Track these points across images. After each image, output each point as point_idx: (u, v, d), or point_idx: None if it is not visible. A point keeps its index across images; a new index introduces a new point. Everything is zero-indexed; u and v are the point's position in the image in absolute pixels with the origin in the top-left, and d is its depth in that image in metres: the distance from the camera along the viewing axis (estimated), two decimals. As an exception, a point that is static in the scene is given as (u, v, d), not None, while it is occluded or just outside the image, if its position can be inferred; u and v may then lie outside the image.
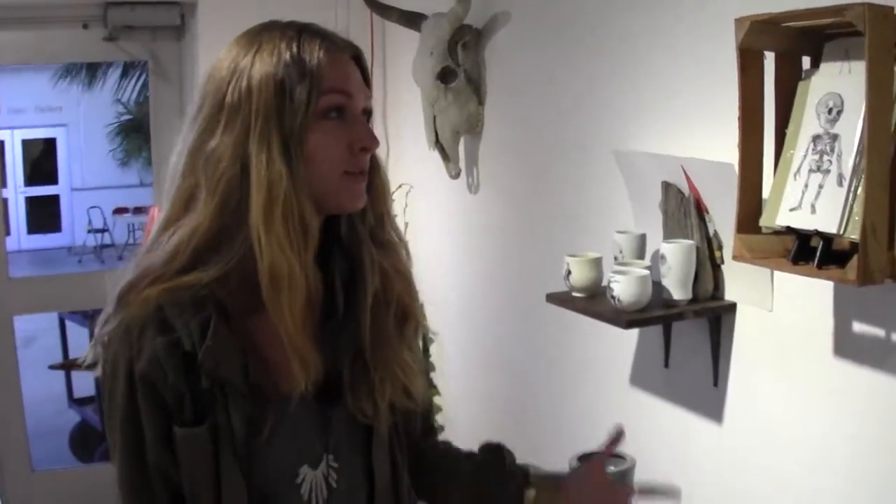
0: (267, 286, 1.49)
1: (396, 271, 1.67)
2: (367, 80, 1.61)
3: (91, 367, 1.56)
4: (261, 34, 1.56)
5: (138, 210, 16.40)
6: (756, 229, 2.07)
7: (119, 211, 16.69)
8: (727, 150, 2.35)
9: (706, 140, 2.52)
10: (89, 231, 17.12)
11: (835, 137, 1.90)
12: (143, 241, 4.40)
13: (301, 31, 1.55)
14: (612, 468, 2.34)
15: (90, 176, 18.04)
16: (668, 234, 2.57)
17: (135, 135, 17.13)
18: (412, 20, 3.92)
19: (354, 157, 1.54)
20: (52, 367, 6.64)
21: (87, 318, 6.73)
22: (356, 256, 1.65)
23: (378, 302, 1.65)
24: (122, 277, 1.55)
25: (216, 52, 4.88)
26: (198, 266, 1.51)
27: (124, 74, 14.41)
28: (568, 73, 3.24)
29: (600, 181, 3.06)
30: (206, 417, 1.50)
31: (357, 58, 1.60)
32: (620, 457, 2.37)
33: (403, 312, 1.69)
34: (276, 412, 1.54)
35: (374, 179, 1.63)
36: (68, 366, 3.93)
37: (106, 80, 14.94)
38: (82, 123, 17.87)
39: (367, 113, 1.59)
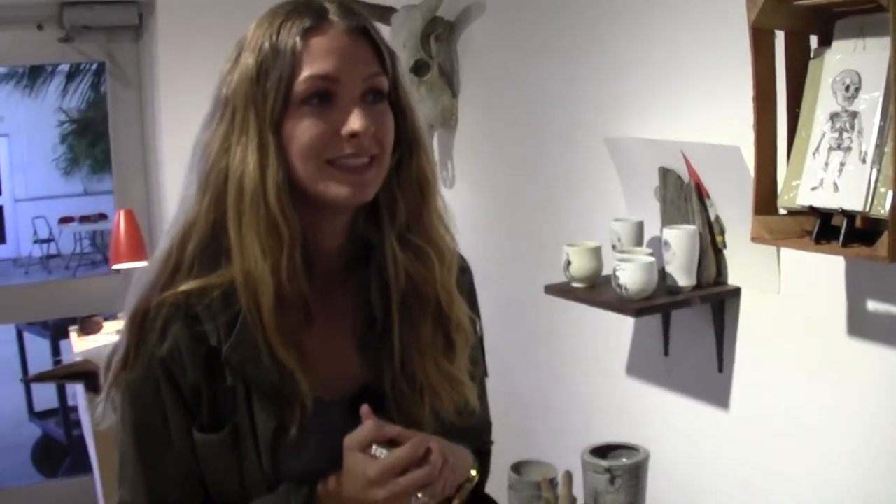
0: (241, 285, 1.44)
1: (425, 280, 1.57)
2: (380, 56, 1.48)
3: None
4: (260, 21, 1.49)
5: (84, 218, 16.22)
6: (773, 210, 2.05)
7: (65, 220, 16.46)
8: (727, 134, 2.33)
9: (704, 124, 2.49)
10: (35, 241, 16.87)
11: (854, 115, 1.88)
12: (114, 243, 4.30)
13: (291, 13, 1.45)
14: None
15: (34, 186, 17.78)
16: (668, 221, 2.54)
17: (78, 142, 16.93)
18: (381, 14, 3.86)
19: (343, 144, 1.43)
20: (26, 381, 6.52)
21: (48, 328, 6.62)
22: (381, 258, 1.57)
23: (409, 309, 1.57)
24: (130, 296, 1.51)
25: (176, 52, 4.82)
26: (207, 268, 1.47)
27: (69, 80, 14.21)
28: (548, 61, 3.20)
29: (585, 169, 3.03)
30: (226, 421, 1.48)
31: (362, 32, 1.47)
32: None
33: (444, 323, 1.61)
34: (306, 414, 1.49)
35: (405, 172, 1.54)
36: (45, 377, 3.84)
37: (49, 88, 14.73)
38: (24, 133, 17.62)
39: (374, 92, 1.47)
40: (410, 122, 1.56)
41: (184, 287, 1.45)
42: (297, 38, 1.42)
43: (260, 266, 1.42)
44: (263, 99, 1.43)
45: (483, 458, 1.79)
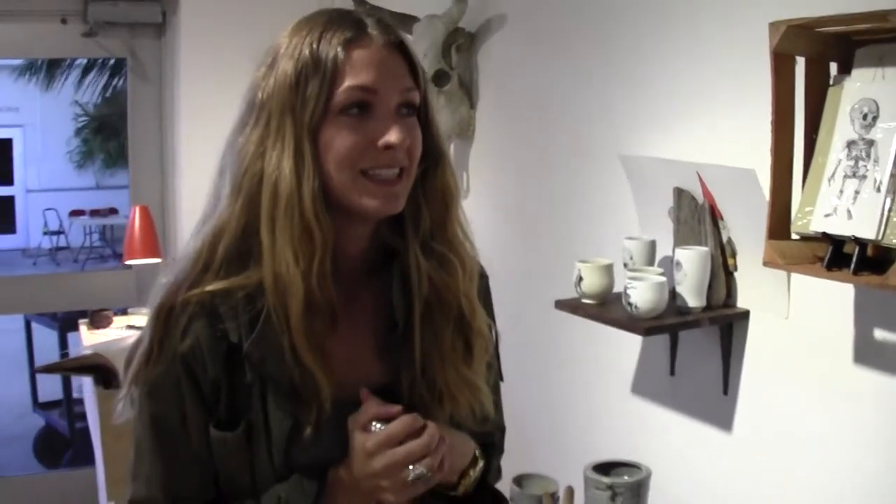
0: (269, 288, 1.47)
1: (448, 287, 1.60)
2: (414, 70, 1.52)
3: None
4: (296, 29, 1.51)
5: (95, 212, 16.28)
6: (786, 235, 2.06)
7: (75, 213, 16.51)
8: (743, 156, 2.34)
9: (720, 146, 2.51)
10: (45, 233, 16.93)
11: (871, 143, 1.89)
12: (128, 239, 4.32)
13: (330, 23, 1.49)
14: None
15: (46, 177, 17.85)
16: (681, 241, 2.55)
17: (93, 137, 17.00)
18: (403, 22, 3.89)
19: (377, 155, 1.47)
20: (36, 371, 6.54)
21: (56, 320, 6.64)
22: (404, 266, 1.60)
23: (432, 315, 1.60)
24: (156, 292, 1.54)
25: (198, 51, 4.85)
26: (236, 268, 1.49)
27: (84, 75, 14.29)
28: (566, 76, 3.22)
29: (600, 186, 3.04)
30: (242, 418, 1.50)
31: (398, 47, 1.51)
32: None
33: (465, 330, 1.64)
34: (322, 416, 1.51)
35: (430, 184, 1.57)
36: (55, 368, 3.86)
37: (66, 81, 14.81)
38: (39, 124, 17.70)
39: (408, 106, 1.51)
40: (435, 136, 1.59)
41: (210, 287, 1.48)
42: (339, 49, 1.45)
43: (292, 270, 1.45)
44: (302, 106, 1.45)
45: (489, 450, 1.81)
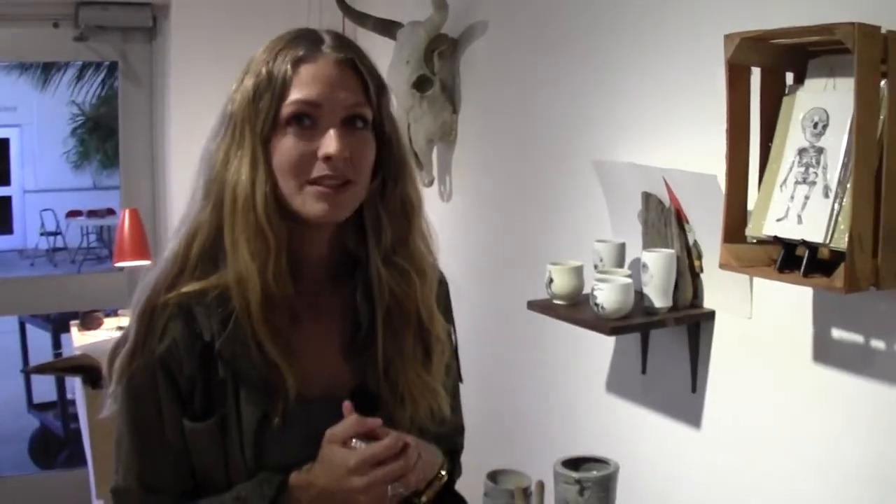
0: (233, 285, 1.57)
1: (407, 296, 1.70)
2: (365, 87, 1.61)
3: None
4: (265, 47, 1.63)
5: (92, 213, 16.26)
6: (742, 239, 2.13)
7: (72, 214, 16.51)
8: (708, 162, 2.41)
9: (686, 152, 2.58)
10: (42, 234, 16.94)
11: (820, 151, 1.97)
12: (118, 241, 4.37)
13: (290, 42, 1.61)
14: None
15: (43, 178, 17.85)
16: (648, 244, 2.63)
17: (89, 137, 16.98)
18: (387, 28, 3.96)
19: (319, 165, 1.56)
20: (27, 371, 6.60)
21: (50, 321, 6.69)
22: (367, 275, 1.69)
23: (393, 322, 1.70)
24: (137, 296, 1.64)
25: (188, 54, 4.89)
26: (209, 269, 1.60)
27: (80, 75, 14.30)
28: (545, 83, 3.29)
29: (576, 190, 3.11)
30: (215, 411, 1.59)
31: (351, 65, 1.60)
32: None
33: (424, 336, 1.74)
34: (291, 412, 1.60)
35: (390, 197, 1.67)
36: (45, 369, 3.92)
37: (62, 81, 14.81)
38: (36, 125, 17.68)
39: (355, 119, 1.60)
40: (396, 150, 1.69)
41: (186, 288, 1.59)
42: (289, 66, 1.57)
43: (249, 267, 1.56)
44: (256, 117, 1.57)
45: (453, 457, 1.92)
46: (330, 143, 1.55)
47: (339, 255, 1.71)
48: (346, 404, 1.59)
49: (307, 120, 1.56)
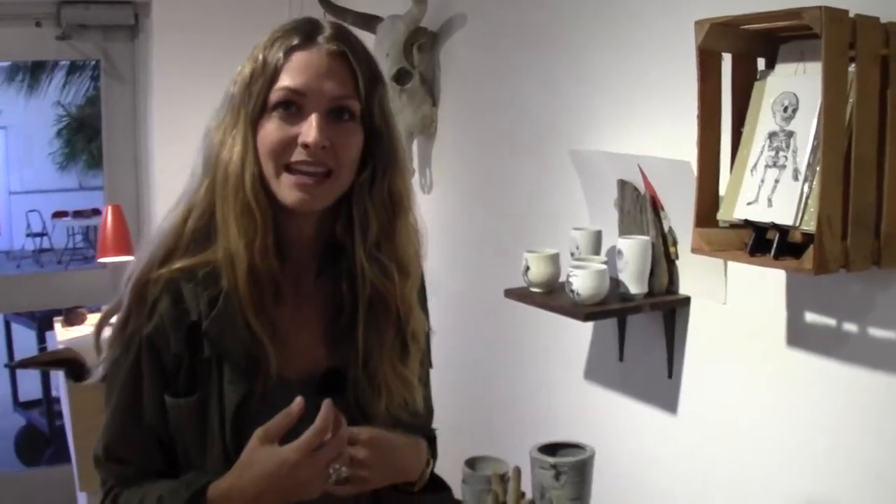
0: (222, 260, 1.61)
1: (388, 292, 1.71)
2: (355, 79, 1.63)
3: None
4: (267, 35, 1.66)
5: (77, 214, 16.22)
6: (714, 223, 2.15)
7: (58, 215, 16.47)
8: (682, 149, 2.43)
9: (661, 139, 2.60)
10: (28, 235, 16.89)
11: (790, 134, 1.99)
12: (101, 237, 4.38)
13: (287, 31, 1.63)
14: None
15: (29, 179, 17.81)
16: (624, 231, 2.65)
17: (75, 138, 16.94)
18: (367, 22, 3.97)
19: (297, 151, 1.59)
20: (10, 367, 6.60)
21: (34, 319, 6.69)
22: (350, 266, 1.71)
23: (375, 314, 1.72)
24: (131, 267, 1.67)
25: (170, 51, 4.89)
26: (202, 245, 1.64)
27: (69, 76, 14.28)
28: (523, 74, 3.31)
29: (555, 180, 3.13)
30: (198, 389, 1.62)
31: (342, 56, 1.62)
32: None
33: (402, 331, 1.76)
34: (271, 392, 1.63)
35: (377, 190, 1.68)
36: (28, 364, 3.91)
37: (51, 84, 14.80)
38: (22, 126, 17.64)
39: (341, 111, 1.62)
40: (386, 144, 1.70)
41: (178, 264, 1.63)
42: (282, 53, 1.61)
43: (236, 242, 1.60)
44: (249, 100, 1.61)
45: (433, 444, 1.96)
46: (309, 130, 1.58)
47: (325, 241, 1.73)
48: (298, 400, 1.57)
49: (292, 107, 1.60)
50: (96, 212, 15.54)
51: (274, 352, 1.62)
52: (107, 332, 1.69)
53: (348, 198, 1.68)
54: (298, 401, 1.56)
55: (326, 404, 1.55)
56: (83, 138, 16.61)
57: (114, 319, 1.67)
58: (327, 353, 1.73)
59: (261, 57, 1.62)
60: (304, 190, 1.59)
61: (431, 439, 1.96)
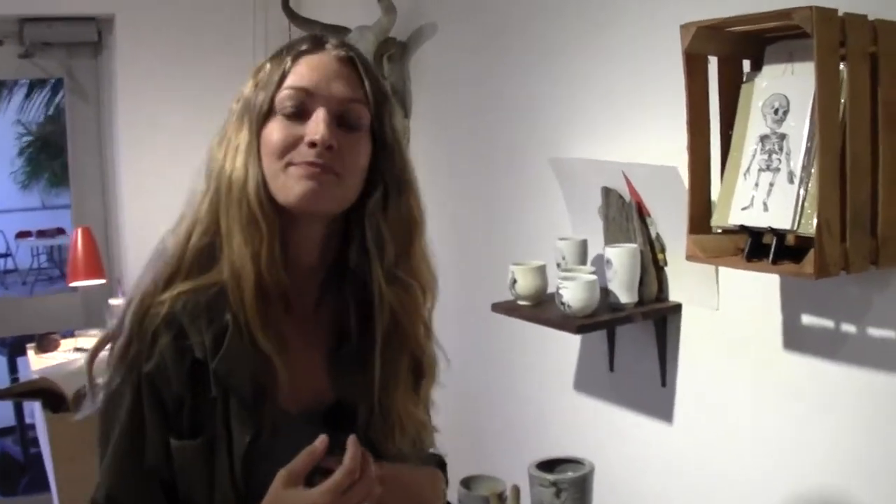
0: (227, 274, 1.53)
1: (408, 315, 1.65)
2: (363, 87, 1.58)
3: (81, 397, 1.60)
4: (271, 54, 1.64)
5: (41, 233, 16.07)
6: (707, 229, 2.11)
7: (22, 235, 16.32)
8: (667, 154, 2.39)
9: (645, 145, 2.57)
10: (-9, 256, 16.73)
11: (782, 137, 1.95)
12: (71, 261, 4.31)
13: (295, 43, 1.60)
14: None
15: (-10, 199, 17.65)
16: (610, 239, 2.61)
17: (37, 156, 16.81)
18: (335, 33, 3.90)
19: (304, 152, 1.51)
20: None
21: (5, 345, 6.59)
22: (368, 289, 1.63)
23: (391, 342, 1.64)
24: (131, 292, 1.59)
25: (134, 69, 4.84)
26: (206, 265, 1.56)
27: (29, 94, 14.15)
28: (497, 82, 3.27)
29: (535, 189, 3.09)
30: (204, 430, 1.53)
31: (350, 62, 1.58)
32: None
33: (416, 363, 1.70)
34: (279, 427, 1.55)
35: (392, 212, 1.61)
36: (2, 395, 3.84)
37: (10, 102, 14.66)
38: (-19, 146, 17.48)
39: (351, 119, 1.55)
40: (399, 163, 1.63)
41: (181, 287, 1.53)
42: (290, 58, 1.57)
43: (242, 253, 1.52)
44: (254, 106, 1.56)
45: (442, 469, 1.87)
46: (317, 127, 1.51)
47: (329, 264, 1.66)
48: (322, 438, 1.49)
49: (299, 108, 1.54)
50: (60, 231, 15.43)
51: (284, 368, 1.54)
52: (101, 359, 1.61)
53: (357, 222, 1.61)
54: (322, 438, 1.49)
55: (353, 442, 1.48)
56: (45, 156, 16.48)
57: (108, 346, 1.58)
58: (330, 383, 1.65)
59: (267, 66, 1.58)
60: (312, 178, 1.51)
61: (442, 464, 1.90)
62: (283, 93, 1.54)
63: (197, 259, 1.56)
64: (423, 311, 1.68)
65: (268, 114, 1.55)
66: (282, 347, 1.55)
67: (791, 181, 1.92)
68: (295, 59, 1.56)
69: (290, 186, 1.52)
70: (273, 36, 4.66)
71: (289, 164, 1.52)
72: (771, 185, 1.95)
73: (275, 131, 1.53)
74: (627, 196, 2.55)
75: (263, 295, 1.53)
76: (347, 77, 1.57)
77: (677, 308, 2.54)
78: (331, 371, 1.65)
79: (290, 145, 1.52)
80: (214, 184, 1.56)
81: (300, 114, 1.53)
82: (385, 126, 1.61)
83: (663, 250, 2.53)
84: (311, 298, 1.66)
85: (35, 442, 5.30)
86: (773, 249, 1.96)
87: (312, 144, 1.50)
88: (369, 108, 1.58)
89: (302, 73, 1.55)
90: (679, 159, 2.29)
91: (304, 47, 1.58)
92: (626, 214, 2.56)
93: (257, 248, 1.52)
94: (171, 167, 4.71)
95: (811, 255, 1.83)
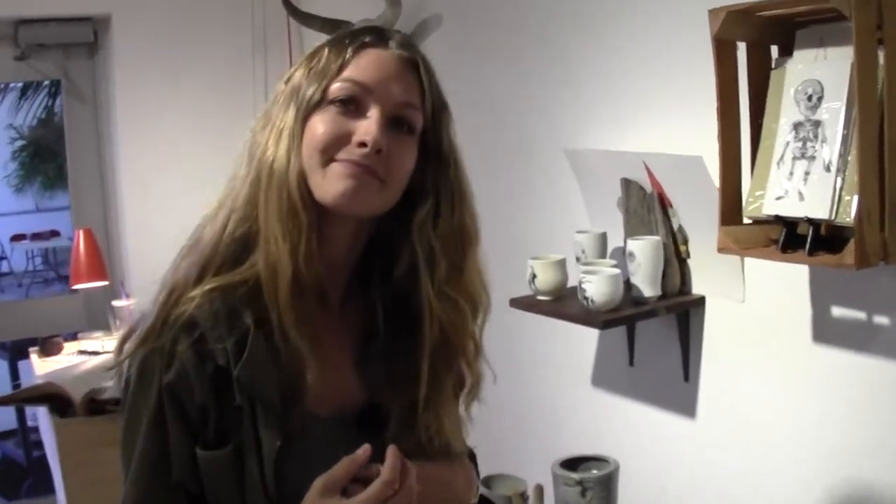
0: (263, 268, 1.47)
1: (457, 332, 1.60)
2: (422, 94, 1.52)
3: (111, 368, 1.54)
4: (328, 39, 1.57)
5: (36, 236, 16.04)
6: (738, 220, 2.07)
7: (17, 238, 16.28)
8: (690, 143, 2.34)
9: (666, 134, 2.51)
10: (-14, 260, 16.70)
11: (817, 124, 1.90)
12: (73, 263, 4.26)
13: (358, 32, 1.53)
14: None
15: (-16, 204, 17.62)
16: (631, 231, 2.55)
17: (30, 160, 16.78)
18: (336, 28, 3.82)
19: (350, 150, 1.45)
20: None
21: (6, 349, 6.55)
22: (412, 304, 1.58)
23: (438, 358, 1.59)
24: (165, 280, 1.53)
25: (131, 69, 4.79)
26: (243, 256, 1.50)
27: (22, 97, 14.11)
28: (507, 74, 3.21)
29: (547, 181, 3.04)
30: (230, 438, 1.48)
31: (413, 65, 1.52)
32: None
33: (462, 377, 1.66)
34: (310, 430, 1.50)
35: (445, 225, 1.56)
36: (8, 400, 3.78)
37: (2, 106, 14.62)
38: (-26, 150, 17.45)
39: (404, 122, 1.50)
40: (454, 175, 1.58)
41: (213, 283, 1.48)
42: (352, 48, 1.49)
43: (280, 247, 1.45)
44: (304, 92, 1.49)
45: (474, 460, 1.84)
46: (370, 128, 1.45)
47: (353, 262, 1.61)
48: (365, 447, 1.44)
49: (353, 103, 1.47)
50: (54, 233, 15.40)
51: (316, 365, 1.49)
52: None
53: (404, 232, 1.55)
54: (366, 448, 1.43)
55: (393, 452, 1.43)
56: (38, 160, 16.45)
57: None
58: (360, 384, 1.60)
59: (325, 51, 1.50)
60: (354, 177, 1.45)
61: (473, 457, 1.85)
62: (339, 84, 1.47)
63: (232, 250, 1.50)
64: (472, 328, 1.63)
65: (318, 103, 1.48)
66: (317, 344, 1.50)
67: (828, 169, 1.87)
68: (357, 51, 1.49)
69: (330, 183, 1.46)
70: (272, 32, 4.62)
71: (332, 160, 1.46)
72: (807, 173, 1.91)
73: (323, 123, 1.47)
74: (648, 187, 2.50)
75: (300, 291, 1.47)
76: (408, 80, 1.51)
77: (701, 301, 2.49)
78: (359, 371, 1.60)
79: (338, 141, 1.46)
80: (255, 169, 1.50)
81: (353, 108, 1.47)
82: (441, 135, 1.55)
83: (686, 242, 2.48)
84: (338, 296, 1.61)
85: (37, 445, 5.26)
86: (809, 240, 1.91)
87: (362, 144, 1.44)
88: (425, 117, 1.52)
89: (362, 66, 1.48)
90: (702, 148, 2.24)
91: (367, 39, 1.51)
92: (647, 206, 2.51)
93: (296, 242, 1.45)
94: (170, 167, 4.70)
95: (851, 245, 1.78)
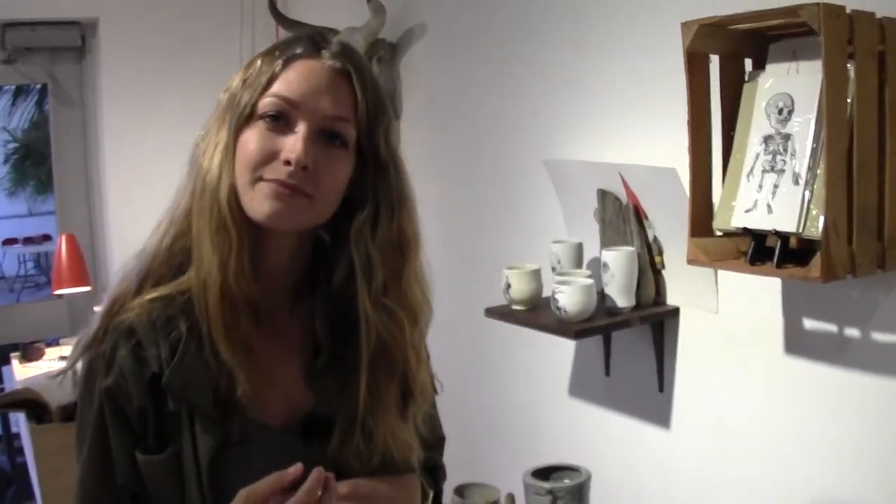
0: (195, 280, 1.47)
1: (396, 340, 1.56)
2: (355, 104, 1.48)
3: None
4: (267, 47, 1.55)
5: (28, 240, 16.01)
6: (708, 232, 2.07)
7: (8, 242, 16.25)
8: (664, 155, 2.35)
9: (642, 146, 2.52)
10: (-23, 265, 16.67)
11: (787, 137, 1.90)
12: (56, 268, 4.26)
13: (291, 42, 1.51)
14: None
15: (-24, 207, 17.58)
16: (607, 242, 2.56)
17: (22, 163, 16.75)
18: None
19: (277, 168, 1.43)
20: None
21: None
22: (353, 312, 1.55)
23: (377, 368, 1.56)
24: (111, 289, 1.53)
25: (118, 73, 4.78)
26: (183, 268, 1.50)
27: (15, 100, 14.10)
28: (489, 84, 3.22)
29: (526, 191, 3.05)
30: (170, 443, 1.47)
31: (345, 76, 1.48)
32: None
33: (407, 388, 1.61)
34: (251, 437, 1.49)
35: (382, 232, 1.53)
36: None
37: (-4, 109, 14.61)
38: (-34, 154, 17.42)
39: (333, 134, 1.47)
40: (394, 181, 1.55)
41: (152, 294, 1.48)
42: (282, 61, 1.47)
43: (209, 260, 1.45)
44: (237, 106, 1.47)
45: (436, 473, 1.80)
46: (295, 145, 1.43)
47: (298, 274, 1.60)
48: (297, 466, 1.41)
49: (281, 119, 1.45)
50: (46, 238, 15.35)
51: (246, 381, 1.47)
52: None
53: (343, 241, 1.54)
54: (297, 467, 1.40)
55: (314, 475, 1.39)
56: (31, 163, 16.42)
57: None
58: (308, 395, 1.58)
59: (258, 63, 1.48)
60: (279, 199, 1.43)
61: (433, 468, 1.83)
62: (267, 100, 1.45)
63: (169, 262, 1.50)
64: (413, 339, 1.58)
65: (249, 117, 1.46)
66: (247, 358, 1.48)
67: (796, 182, 1.87)
68: (286, 63, 1.47)
69: (258, 202, 1.44)
70: (260, 38, 4.62)
71: (260, 178, 1.44)
72: (775, 186, 1.91)
73: (252, 140, 1.45)
74: (624, 198, 2.51)
75: (230, 304, 1.46)
76: (338, 92, 1.48)
77: (675, 312, 2.50)
78: (308, 381, 1.58)
79: (265, 158, 1.44)
80: (193, 181, 1.50)
81: (281, 124, 1.45)
82: (378, 143, 1.52)
83: (661, 253, 2.48)
84: (284, 309, 1.60)
85: (21, 451, 5.24)
86: (777, 253, 1.91)
87: (287, 163, 1.42)
88: (359, 127, 1.49)
89: (290, 80, 1.46)
90: (677, 160, 2.25)
91: (299, 50, 1.48)
92: (622, 217, 2.51)
93: (225, 257, 1.45)
94: (157, 172, 4.66)
95: (818, 258, 1.79)
